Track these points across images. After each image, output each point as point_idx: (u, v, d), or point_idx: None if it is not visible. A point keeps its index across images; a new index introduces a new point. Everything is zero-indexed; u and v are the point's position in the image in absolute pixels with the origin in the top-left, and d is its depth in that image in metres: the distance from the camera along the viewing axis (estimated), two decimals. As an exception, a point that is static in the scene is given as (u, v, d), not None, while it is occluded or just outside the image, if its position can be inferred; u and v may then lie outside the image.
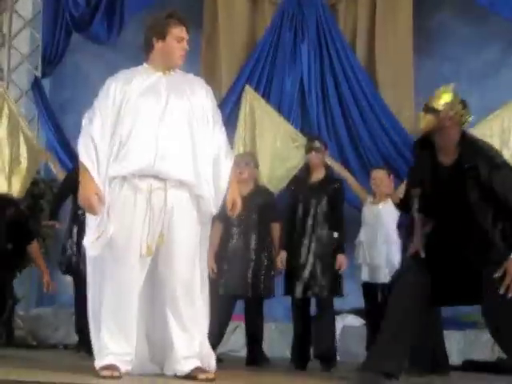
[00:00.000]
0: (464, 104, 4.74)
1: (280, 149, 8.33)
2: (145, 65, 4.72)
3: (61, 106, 9.90)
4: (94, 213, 4.43)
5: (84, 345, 6.94)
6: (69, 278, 7.60)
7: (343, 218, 6.78)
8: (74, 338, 7.67)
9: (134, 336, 4.47)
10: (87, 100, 10.45)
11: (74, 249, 7.19)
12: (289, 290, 6.76)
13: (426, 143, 4.72)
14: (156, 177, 4.45)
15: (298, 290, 6.66)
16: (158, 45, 4.64)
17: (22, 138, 8.92)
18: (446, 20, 8.95)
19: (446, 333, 6.62)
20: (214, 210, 4.60)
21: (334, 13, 9.01)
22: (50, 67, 9.67)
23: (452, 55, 8.85)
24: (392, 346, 4.53)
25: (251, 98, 8.42)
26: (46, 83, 9.80)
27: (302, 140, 8.23)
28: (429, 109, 4.68)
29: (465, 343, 7.74)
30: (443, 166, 4.61)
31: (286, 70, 8.77)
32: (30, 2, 10.06)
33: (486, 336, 7.80)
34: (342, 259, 6.65)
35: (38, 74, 9.67)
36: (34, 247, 7.13)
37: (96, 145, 4.48)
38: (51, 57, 9.60)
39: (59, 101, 9.93)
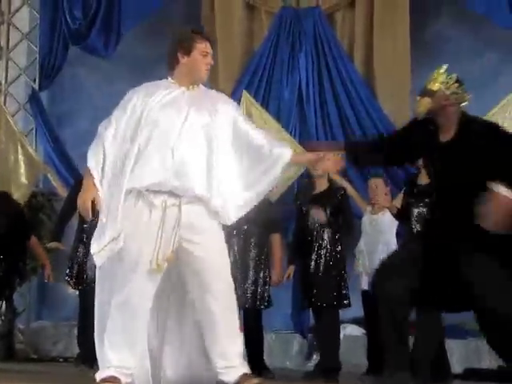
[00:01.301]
0: (460, 83, 4.76)
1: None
2: (169, 79, 4.71)
3: (58, 118, 9.90)
4: (86, 216, 4.52)
5: (84, 358, 6.94)
6: (71, 291, 7.59)
7: (353, 223, 6.83)
8: (74, 352, 7.66)
9: (137, 349, 4.47)
10: (85, 112, 10.52)
11: (82, 263, 7.17)
12: (300, 300, 6.82)
13: (428, 123, 4.71)
14: (170, 192, 4.45)
15: (305, 300, 6.71)
16: (184, 60, 4.63)
17: (20, 151, 8.91)
18: (443, 29, 8.95)
19: (447, 341, 6.60)
20: (228, 222, 4.65)
21: (331, 22, 9.00)
22: (47, 80, 9.66)
23: (450, 63, 8.78)
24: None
25: (248, 104, 8.38)
26: (44, 96, 9.79)
27: (299, 149, 8.21)
28: (425, 91, 4.70)
29: (466, 352, 7.72)
30: (442, 144, 4.60)
31: (283, 79, 8.77)
32: (27, 15, 10.08)
33: (487, 344, 7.79)
34: None
35: (36, 86, 9.67)
36: (33, 241, 7.24)
37: (106, 154, 4.49)
38: (49, 69, 9.60)
39: (57, 113, 9.93)
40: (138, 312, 4.43)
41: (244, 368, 4.53)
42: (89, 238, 6.94)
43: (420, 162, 6.45)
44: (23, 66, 9.95)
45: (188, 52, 4.62)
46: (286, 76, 8.78)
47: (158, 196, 4.45)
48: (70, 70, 9.80)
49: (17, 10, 10.04)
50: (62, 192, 8.89)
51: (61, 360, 8.31)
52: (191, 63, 4.63)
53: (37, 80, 9.68)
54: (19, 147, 8.94)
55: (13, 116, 9.68)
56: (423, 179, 6.42)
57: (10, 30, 10.00)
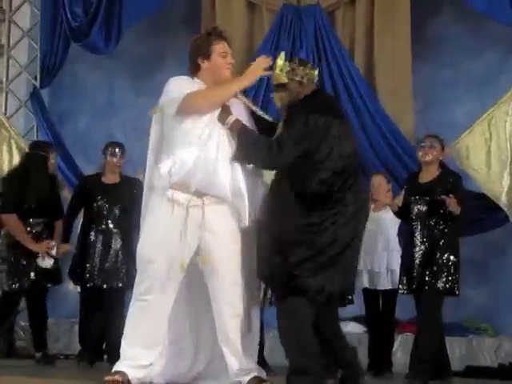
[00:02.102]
0: (304, 63, 4.73)
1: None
2: (195, 79, 4.71)
3: (59, 116, 9.89)
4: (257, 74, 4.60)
5: (85, 355, 6.94)
6: (72, 287, 7.59)
7: None
8: (75, 349, 7.66)
9: (154, 347, 4.55)
10: (86, 110, 10.48)
11: (85, 260, 7.14)
12: None
13: None
14: (195, 192, 4.47)
15: None
16: (205, 64, 4.65)
17: (15, 151, 8.89)
18: (444, 26, 8.94)
19: (447, 339, 6.60)
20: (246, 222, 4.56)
21: (332, 19, 9.00)
22: (48, 77, 9.65)
23: (450, 61, 8.85)
24: None
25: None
26: (45, 94, 9.79)
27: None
28: (277, 87, 4.66)
29: (467, 349, 7.73)
30: None
31: (284, 77, 8.76)
32: (28, 13, 10.07)
33: (488, 342, 7.80)
34: None
35: (37, 84, 9.67)
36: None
37: None
38: (50, 67, 9.60)
39: (58, 111, 9.93)
40: (154, 312, 4.50)
41: (257, 371, 4.59)
42: (92, 237, 7.02)
43: (422, 158, 6.48)
44: (24, 63, 9.94)
45: (207, 56, 4.63)
46: (287, 73, 8.77)
47: (183, 194, 4.47)
48: (70, 67, 9.80)
49: (18, 8, 10.03)
50: (64, 191, 8.88)
51: (62, 357, 8.31)
52: (213, 66, 4.64)
53: (38, 77, 9.68)
54: (14, 149, 8.92)
55: (13, 114, 9.71)
56: (424, 177, 6.41)
57: (10, 28, 9.99)
